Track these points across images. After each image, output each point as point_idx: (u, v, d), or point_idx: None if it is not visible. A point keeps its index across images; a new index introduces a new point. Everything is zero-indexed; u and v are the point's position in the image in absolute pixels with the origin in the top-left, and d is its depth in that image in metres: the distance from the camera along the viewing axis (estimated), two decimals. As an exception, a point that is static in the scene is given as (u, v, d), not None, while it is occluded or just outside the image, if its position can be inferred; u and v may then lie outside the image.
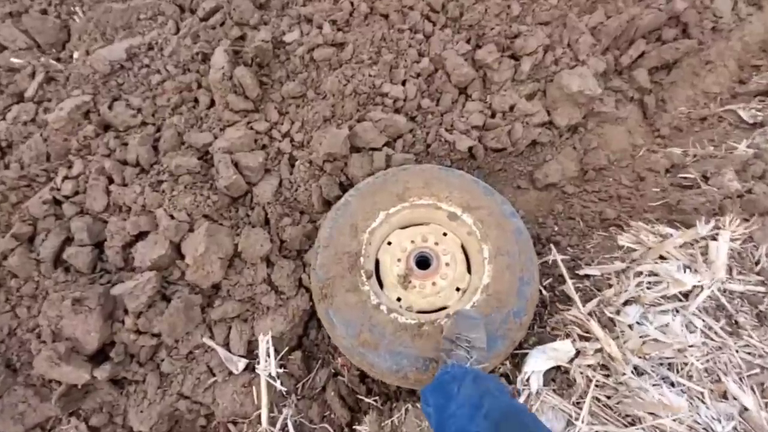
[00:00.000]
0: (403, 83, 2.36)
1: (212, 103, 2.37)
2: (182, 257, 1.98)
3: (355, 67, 2.33)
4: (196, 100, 2.40)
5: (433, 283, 1.85)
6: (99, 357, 1.90)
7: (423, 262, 1.90)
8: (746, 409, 1.65)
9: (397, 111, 2.33)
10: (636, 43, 2.66)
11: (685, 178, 2.30)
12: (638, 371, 1.72)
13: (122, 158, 2.15)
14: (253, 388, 1.94)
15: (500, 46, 2.49)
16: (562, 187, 2.51)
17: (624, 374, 1.67)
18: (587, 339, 1.72)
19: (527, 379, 1.69)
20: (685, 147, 2.54)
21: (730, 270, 1.91)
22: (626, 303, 1.82)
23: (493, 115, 2.42)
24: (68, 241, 2.01)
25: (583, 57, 2.51)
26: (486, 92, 2.49)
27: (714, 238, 1.84)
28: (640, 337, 1.71)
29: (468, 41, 2.50)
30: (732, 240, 1.89)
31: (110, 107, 2.32)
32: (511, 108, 2.41)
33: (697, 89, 2.81)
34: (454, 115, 2.39)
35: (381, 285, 1.90)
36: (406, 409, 1.74)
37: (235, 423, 1.97)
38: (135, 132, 2.25)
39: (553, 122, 2.49)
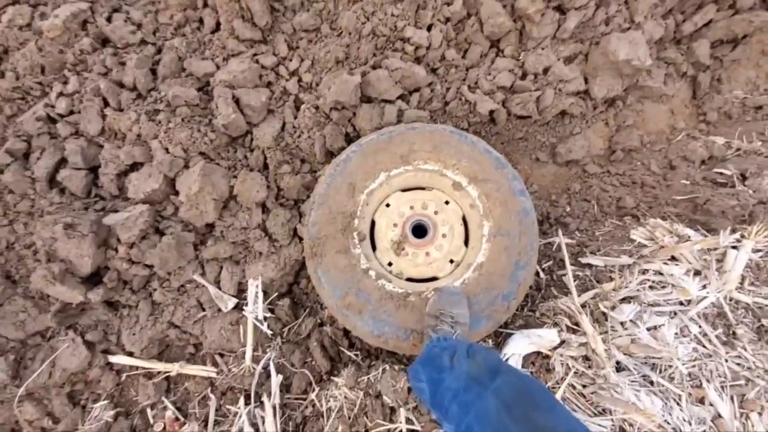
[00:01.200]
0: (429, 28, 2.11)
1: (217, 27, 2.16)
2: (176, 192, 1.93)
3: (377, 3, 2.06)
4: (200, 21, 2.19)
5: (427, 254, 1.80)
6: (94, 279, 1.95)
7: (419, 230, 1.83)
8: (720, 416, 1.65)
9: (417, 60, 2.10)
10: (705, 8, 2.30)
11: (720, 173, 2.10)
12: (620, 367, 1.71)
13: (118, 80, 2.02)
14: (240, 326, 2.00)
15: (547, -6, 2.17)
16: (584, 165, 2.34)
17: (604, 368, 1.66)
18: (574, 331, 1.69)
19: (506, 360, 1.69)
20: (730, 138, 2.30)
21: (742, 279, 1.80)
22: (624, 300, 1.75)
23: (523, 76, 2.19)
24: (63, 161, 1.96)
25: (639, 19, 2.19)
26: (521, 48, 2.23)
27: (735, 248, 1.71)
28: (630, 336, 1.66)
29: (511, -16, 2.18)
30: (755, 251, 1.76)
31: (109, 19, 2.14)
32: (546, 70, 2.17)
33: (761, 71, 2.47)
34: (480, 71, 2.16)
35: (374, 247, 1.85)
36: (383, 369, 1.78)
37: (222, 355, 2.06)
38: (134, 51, 2.09)
39: (589, 92, 2.24)
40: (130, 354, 1.96)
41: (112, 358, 1.96)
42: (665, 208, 2.08)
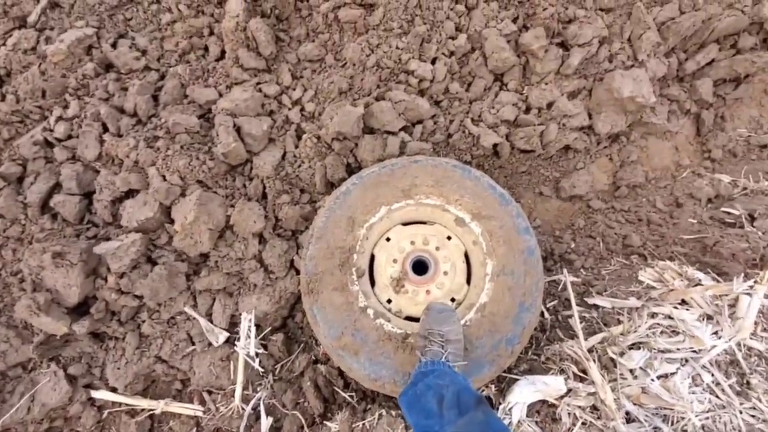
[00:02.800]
0: (433, 61, 2.11)
1: (222, 55, 2.16)
2: (172, 221, 1.88)
3: (382, 36, 2.07)
4: (205, 49, 2.20)
5: (428, 291, 1.73)
6: (81, 309, 1.87)
7: (420, 267, 1.77)
8: (736, 473, 1.55)
9: (421, 93, 2.09)
10: (707, 47, 2.31)
11: (728, 213, 2.06)
12: (630, 418, 1.62)
13: (119, 105, 2.00)
14: (231, 362, 1.91)
15: (550, 31, 2.18)
16: (589, 201, 2.30)
17: (614, 420, 1.57)
18: (582, 379, 1.60)
19: (510, 409, 1.60)
20: (735, 176, 2.27)
21: (754, 325, 1.73)
22: (633, 345, 1.68)
23: (527, 110, 2.17)
24: (57, 187, 1.92)
25: (642, 57, 2.19)
26: (524, 83, 2.22)
27: (748, 293, 1.65)
28: (640, 385, 1.58)
29: (515, 20, 2.20)
30: (767, 296, 1.70)
31: (114, 45, 2.14)
32: (549, 105, 2.15)
33: (764, 110, 2.48)
34: (484, 104, 2.15)
35: (372, 282, 1.79)
36: (380, 415, 1.68)
37: (210, 392, 1.96)
38: (137, 76, 2.08)
39: (593, 128, 2.22)
40: (114, 389, 1.87)
41: (95, 394, 1.87)
42: (673, 247, 2.03)
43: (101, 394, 1.86)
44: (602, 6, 2.25)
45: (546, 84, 2.19)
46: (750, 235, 1.88)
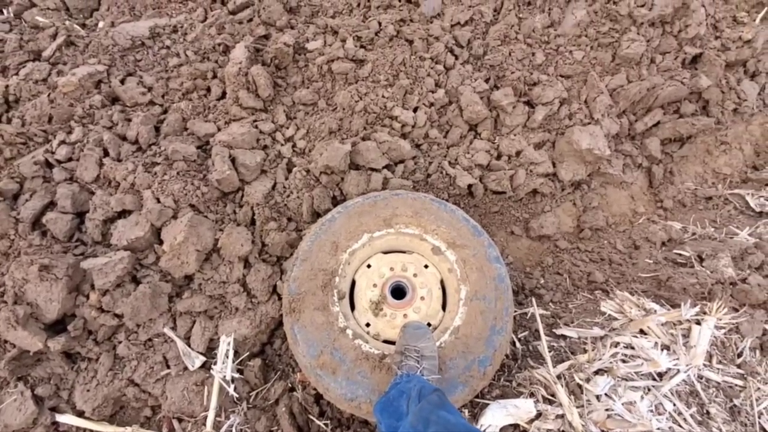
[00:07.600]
0: (415, 110, 2.36)
1: (223, 96, 2.37)
2: (161, 242, 1.95)
3: (370, 86, 2.33)
4: (208, 89, 2.40)
5: (405, 315, 1.81)
6: (57, 327, 1.86)
7: (398, 292, 1.86)
8: (702, 504, 1.59)
9: (403, 136, 2.32)
10: (653, 111, 2.66)
11: (680, 254, 2.26)
12: (598, 445, 1.66)
13: (122, 133, 2.14)
14: (206, 388, 1.89)
15: (517, 91, 2.49)
16: (556, 241, 2.48)
17: (582, 446, 1.61)
18: (551, 402, 1.66)
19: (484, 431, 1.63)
20: (685, 223, 2.51)
21: (710, 357, 1.86)
22: (598, 372, 1.76)
23: (498, 157, 2.41)
24: (51, 205, 1.98)
25: (597, 116, 2.50)
26: (495, 133, 2.49)
27: (698, 323, 1.79)
28: (606, 410, 1.65)
29: (487, 80, 2.51)
30: (718, 328, 1.84)
31: (122, 81, 2.33)
32: (518, 153, 2.40)
33: (707, 167, 2.79)
34: (460, 150, 2.38)
35: (353, 307, 1.86)
36: (354, 441, 1.68)
37: (180, 420, 1.91)
38: (141, 110, 2.25)
39: (557, 175, 2.47)
40: (81, 413, 1.81)
41: (59, 418, 1.80)
42: (632, 284, 2.19)
43: (66, 419, 1.80)
44: (562, 73, 2.60)
45: (514, 135, 2.45)
46: (699, 273, 2.06)
